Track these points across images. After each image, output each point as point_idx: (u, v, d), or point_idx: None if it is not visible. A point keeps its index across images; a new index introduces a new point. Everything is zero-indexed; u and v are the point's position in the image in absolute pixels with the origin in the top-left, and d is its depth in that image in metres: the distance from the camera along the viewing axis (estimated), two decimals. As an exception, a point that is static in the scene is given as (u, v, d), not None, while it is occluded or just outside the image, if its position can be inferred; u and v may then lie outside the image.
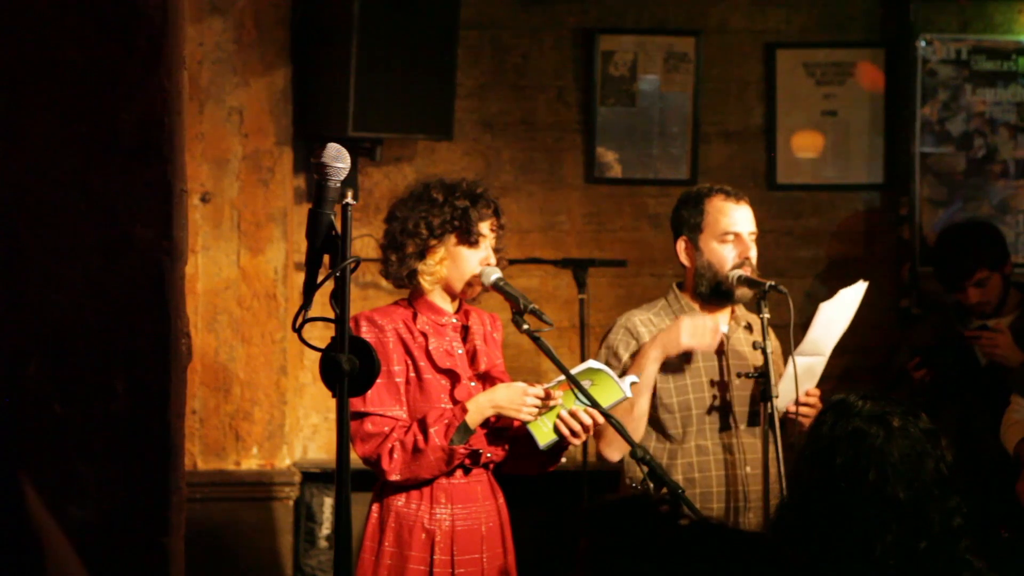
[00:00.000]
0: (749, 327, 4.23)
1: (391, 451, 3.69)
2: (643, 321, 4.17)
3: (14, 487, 1.59)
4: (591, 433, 3.81)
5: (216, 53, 5.34)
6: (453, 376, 3.80)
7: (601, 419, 3.72)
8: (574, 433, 3.74)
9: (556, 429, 3.74)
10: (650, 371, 4.03)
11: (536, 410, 3.72)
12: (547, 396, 3.72)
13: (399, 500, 3.76)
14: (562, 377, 3.73)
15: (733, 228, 4.14)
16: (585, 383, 3.70)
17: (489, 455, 3.80)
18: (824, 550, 2.54)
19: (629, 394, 3.80)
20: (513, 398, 3.71)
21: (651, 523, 2.20)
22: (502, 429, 3.80)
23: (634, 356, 4.09)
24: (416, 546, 3.72)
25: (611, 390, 3.75)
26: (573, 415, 3.73)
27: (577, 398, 3.71)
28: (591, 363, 3.81)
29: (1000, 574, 2.60)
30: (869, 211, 6.05)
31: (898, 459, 2.58)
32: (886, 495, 2.55)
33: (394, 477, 3.70)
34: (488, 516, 3.81)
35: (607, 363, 4.01)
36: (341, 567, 2.76)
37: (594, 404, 3.66)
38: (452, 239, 3.79)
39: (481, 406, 3.72)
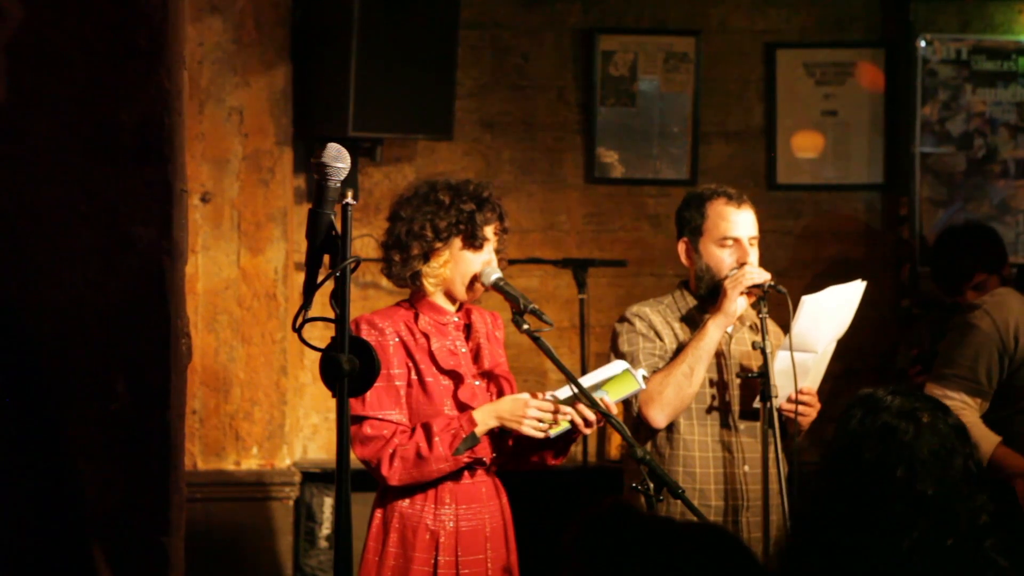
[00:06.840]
0: (755, 327, 4.22)
1: (392, 456, 3.67)
2: (650, 312, 4.18)
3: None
4: (601, 424, 3.81)
5: (216, 53, 5.34)
6: (456, 376, 3.79)
7: (613, 409, 3.72)
8: (587, 423, 3.72)
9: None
10: (713, 337, 4.06)
11: (540, 424, 3.70)
12: (556, 410, 3.71)
13: (403, 501, 3.74)
14: (567, 391, 3.71)
15: (732, 233, 4.13)
16: (600, 391, 3.70)
17: (491, 460, 3.80)
18: (850, 546, 2.53)
19: (643, 386, 3.81)
20: (515, 411, 3.70)
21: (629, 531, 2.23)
22: (505, 431, 3.79)
23: (656, 332, 4.14)
24: (420, 547, 3.71)
25: (627, 382, 3.76)
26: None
27: (579, 398, 3.70)
28: (615, 366, 3.80)
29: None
30: (869, 211, 6.05)
31: (927, 455, 2.55)
32: (914, 491, 2.53)
33: (394, 482, 3.69)
34: (492, 516, 3.81)
35: (640, 338, 4.10)
36: (341, 567, 2.76)
37: (593, 404, 3.66)
38: (457, 242, 3.78)
39: (486, 418, 3.72)
